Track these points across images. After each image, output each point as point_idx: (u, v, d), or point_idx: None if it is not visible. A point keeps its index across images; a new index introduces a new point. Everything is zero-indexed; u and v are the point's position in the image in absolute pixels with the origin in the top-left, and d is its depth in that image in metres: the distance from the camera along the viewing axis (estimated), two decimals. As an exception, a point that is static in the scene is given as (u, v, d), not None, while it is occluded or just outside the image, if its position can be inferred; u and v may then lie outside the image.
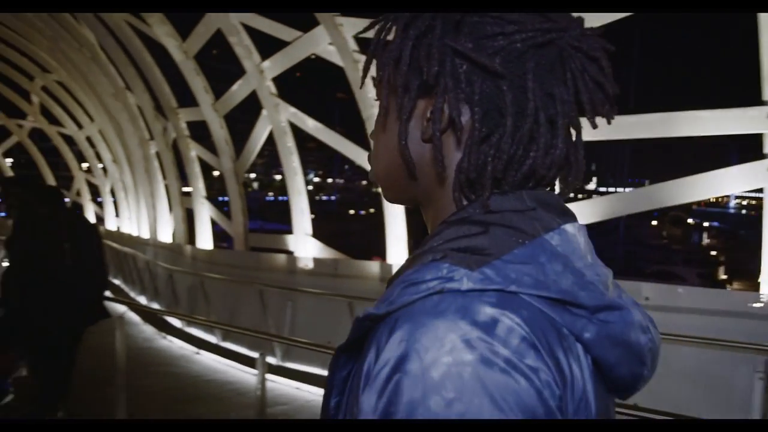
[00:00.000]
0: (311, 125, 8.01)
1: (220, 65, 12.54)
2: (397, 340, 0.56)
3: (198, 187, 10.52)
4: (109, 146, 15.37)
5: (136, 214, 14.32)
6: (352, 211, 66.63)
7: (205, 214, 10.52)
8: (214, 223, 10.64)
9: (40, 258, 4.28)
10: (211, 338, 8.93)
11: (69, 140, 17.73)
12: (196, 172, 10.50)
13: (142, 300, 11.52)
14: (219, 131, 9.35)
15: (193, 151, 10.44)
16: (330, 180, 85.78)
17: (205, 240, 10.60)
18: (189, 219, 11.58)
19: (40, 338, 4.28)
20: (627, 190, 28.16)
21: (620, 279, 0.97)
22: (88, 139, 16.57)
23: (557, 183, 0.71)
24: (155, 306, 10.77)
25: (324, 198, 78.39)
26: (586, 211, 5.52)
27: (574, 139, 0.69)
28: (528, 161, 0.65)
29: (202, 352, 8.83)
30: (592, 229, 0.88)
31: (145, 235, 13.43)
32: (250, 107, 9.44)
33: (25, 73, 15.64)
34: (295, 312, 7.86)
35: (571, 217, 0.68)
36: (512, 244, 0.62)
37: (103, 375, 5.29)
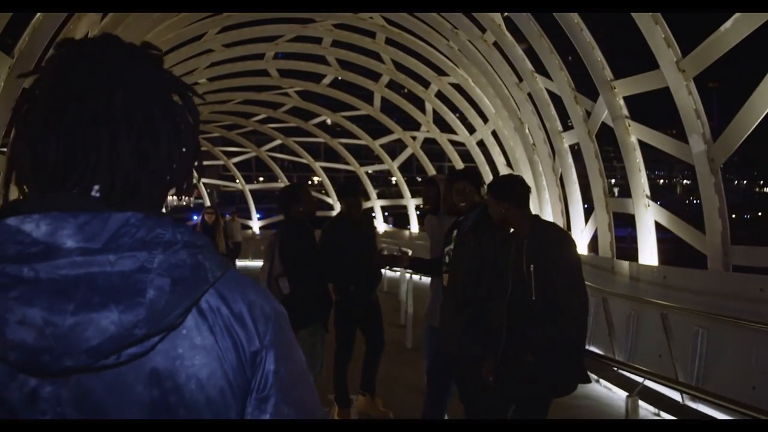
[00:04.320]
0: None
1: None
2: None
3: (640, 182, 7.86)
4: (503, 148, 13.98)
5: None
6: (734, 215, 57.99)
7: (649, 218, 7.81)
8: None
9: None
10: (673, 394, 6.14)
11: (460, 147, 17.18)
12: (636, 163, 7.87)
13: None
14: (685, 100, 6.53)
15: (634, 136, 7.84)
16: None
17: (649, 254, 7.87)
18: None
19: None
20: None
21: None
22: (480, 144, 15.59)
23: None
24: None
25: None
26: None
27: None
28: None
29: (664, 414, 6.09)
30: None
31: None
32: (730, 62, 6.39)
33: (422, 80, 15.42)
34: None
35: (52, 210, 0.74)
36: None
37: None
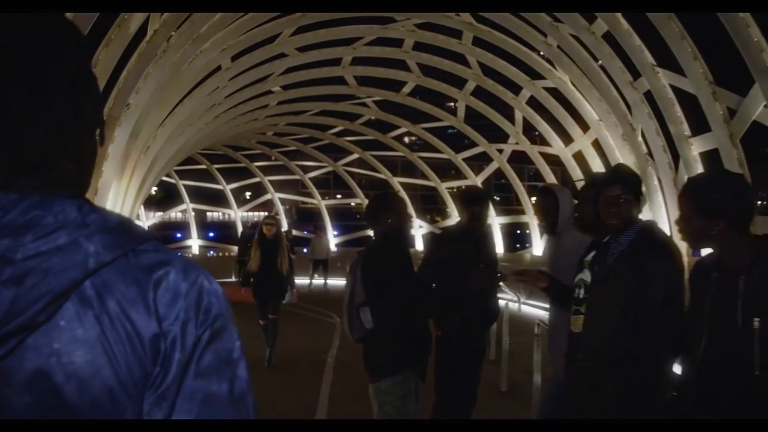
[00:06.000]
0: None
1: None
2: None
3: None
4: (607, 159, 12.29)
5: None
6: None
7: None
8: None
9: None
10: None
11: (553, 161, 15.53)
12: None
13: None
14: None
15: (802, 137, 6.11)
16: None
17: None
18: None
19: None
20: None
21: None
22: (577, 156, 13.91)
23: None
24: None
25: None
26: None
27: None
28: None
29: None
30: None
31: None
32: None
33: (513, 85, 13.98)
34: None
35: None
36: None
37: None
